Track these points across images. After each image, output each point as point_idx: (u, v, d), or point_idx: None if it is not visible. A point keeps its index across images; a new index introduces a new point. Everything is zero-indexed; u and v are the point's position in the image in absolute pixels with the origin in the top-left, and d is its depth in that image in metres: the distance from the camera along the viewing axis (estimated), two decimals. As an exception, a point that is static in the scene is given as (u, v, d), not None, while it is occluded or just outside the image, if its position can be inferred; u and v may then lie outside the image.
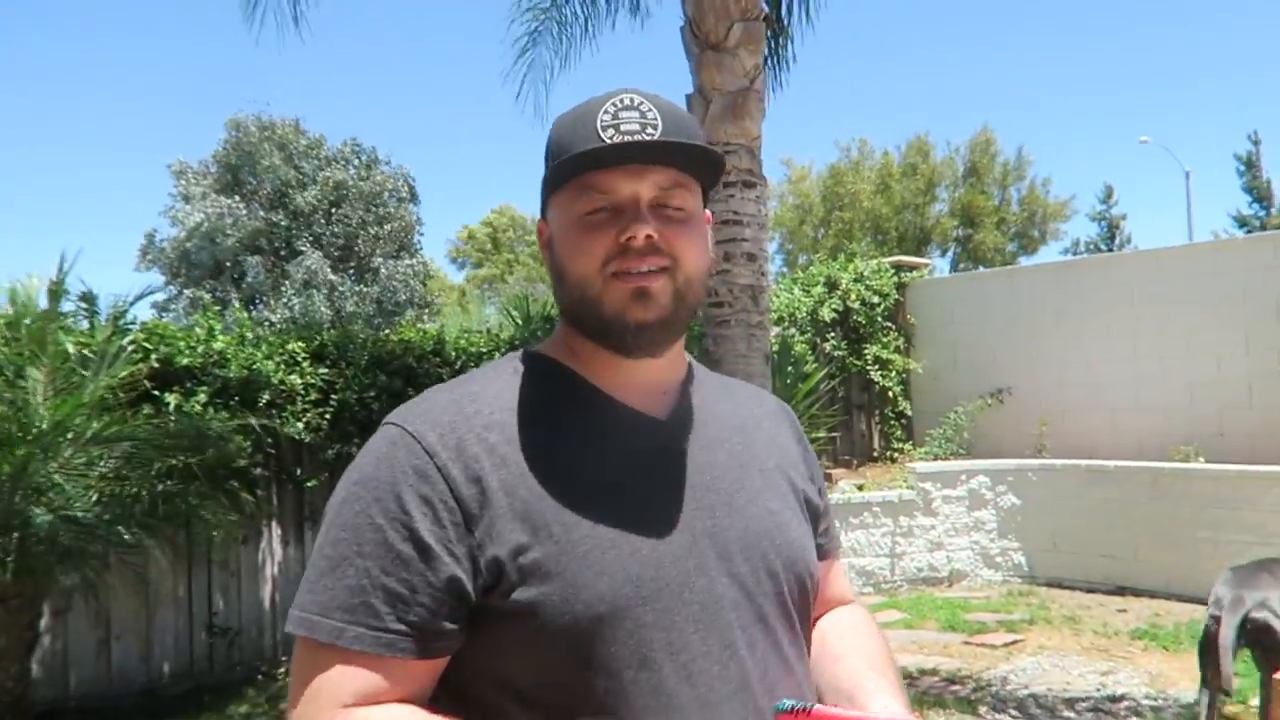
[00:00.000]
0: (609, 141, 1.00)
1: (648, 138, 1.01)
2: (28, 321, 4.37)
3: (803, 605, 1.11)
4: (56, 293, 4.53)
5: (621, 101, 1.04)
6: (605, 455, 1.03)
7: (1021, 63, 49.98)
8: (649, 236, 1.01)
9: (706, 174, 1.09)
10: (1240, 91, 46.89)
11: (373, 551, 0.93)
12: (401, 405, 1.05)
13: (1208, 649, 3.58)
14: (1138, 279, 8.87)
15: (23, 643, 4.58)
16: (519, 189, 64.83)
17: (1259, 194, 26.89)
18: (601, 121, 1.02)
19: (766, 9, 7.09)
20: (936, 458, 9.12)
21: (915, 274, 10.48)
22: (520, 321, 8.22)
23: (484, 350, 6.93)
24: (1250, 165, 27.15)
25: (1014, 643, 6.03)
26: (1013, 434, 9.24)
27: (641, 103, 1.04)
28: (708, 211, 1.15)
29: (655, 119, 1.03)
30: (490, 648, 0.95)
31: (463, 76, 61.14)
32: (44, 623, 5.07)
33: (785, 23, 7.24)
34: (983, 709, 4.84)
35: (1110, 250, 26.28)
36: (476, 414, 1.01)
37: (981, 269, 23.53)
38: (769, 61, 7.37)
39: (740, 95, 5.59)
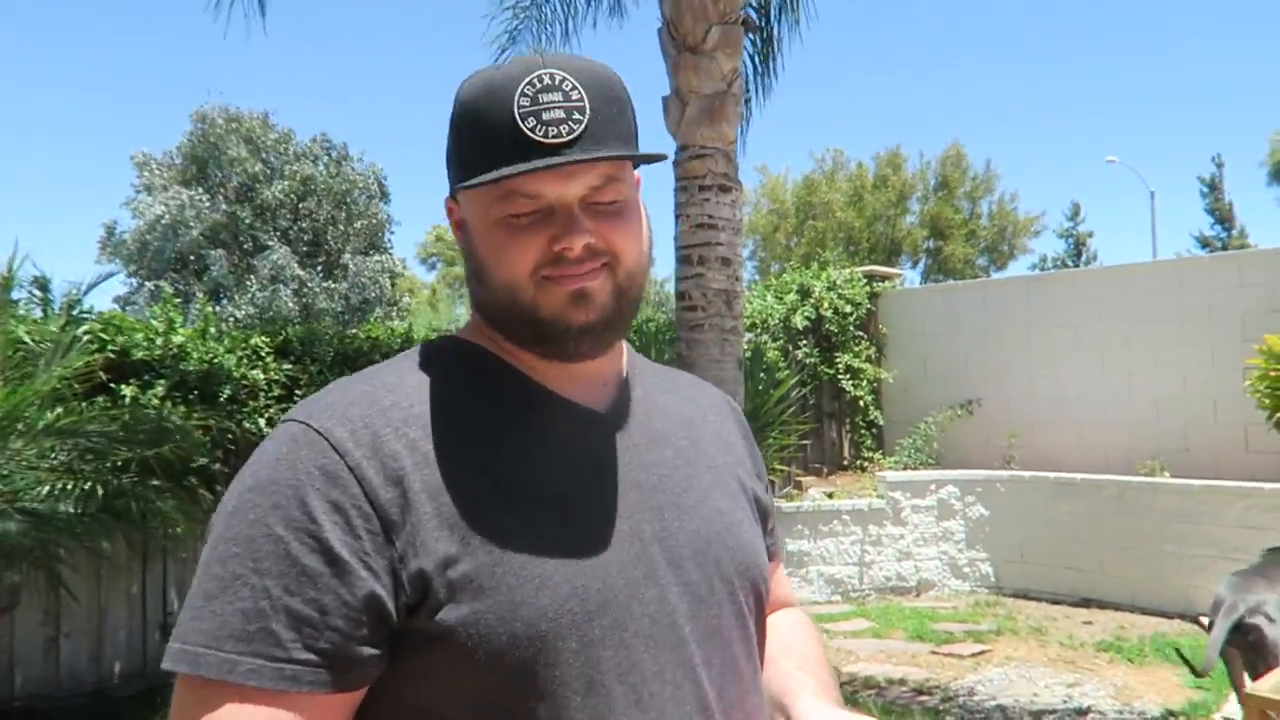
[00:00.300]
0: (530, 134, 0.87)
1: (574, 128, 0.88)
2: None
3: (758, 613, 1.02)
4: (8, 281, 4.37)
5: (540, 80, 0.89)
6: (542, 452, 0.92)
7: (993, 79, 50.69)
8: (586, 245, 0.90)
9: (641, 163, 0.99)
10: (1204, 116, 47.86)
11: (272, 568, 0.79)
12: (303, 400, 0.91)
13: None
14: (1106, 295, 8.95)
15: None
16: (492, 191, 64.53)
17: (1221, 215, 27.42)
18: (520, 107, 0.88)
19: (750, 13, 7.08)
20: (906, 467, 9.12)
21: (887, 284, 10.51)
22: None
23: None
24: (1213, 187, 27.69)
25: (981, 653, 6.01)
26: (982, 445, 9.27)
27: (564, 80, 0.90)
28: (637, 173, 1.02)
29: (581, 101, 0.90)
30: (415, 675, 0.83)
31: (437, 75, 60.87)
32: (12, 615, 4.90)
33: (774, 31, 7.21)
34: (951, 717, 4.81)
35: (1077, 266, 26.61)
36: (394, 406, 0.88)
37: (952, 281, 23.76)
38: (756, 69, 7.35)
39: (717, 99, 5.54)
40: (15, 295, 4.97)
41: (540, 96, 0.89)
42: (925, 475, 8.34)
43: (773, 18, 7.23)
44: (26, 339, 4.58)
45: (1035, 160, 51.55)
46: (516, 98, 0.88)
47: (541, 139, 0.87)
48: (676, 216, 5.74)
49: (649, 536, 0.92)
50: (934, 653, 6.07)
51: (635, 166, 1.01)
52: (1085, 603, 7.25)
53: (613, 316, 0.94)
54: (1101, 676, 5.47)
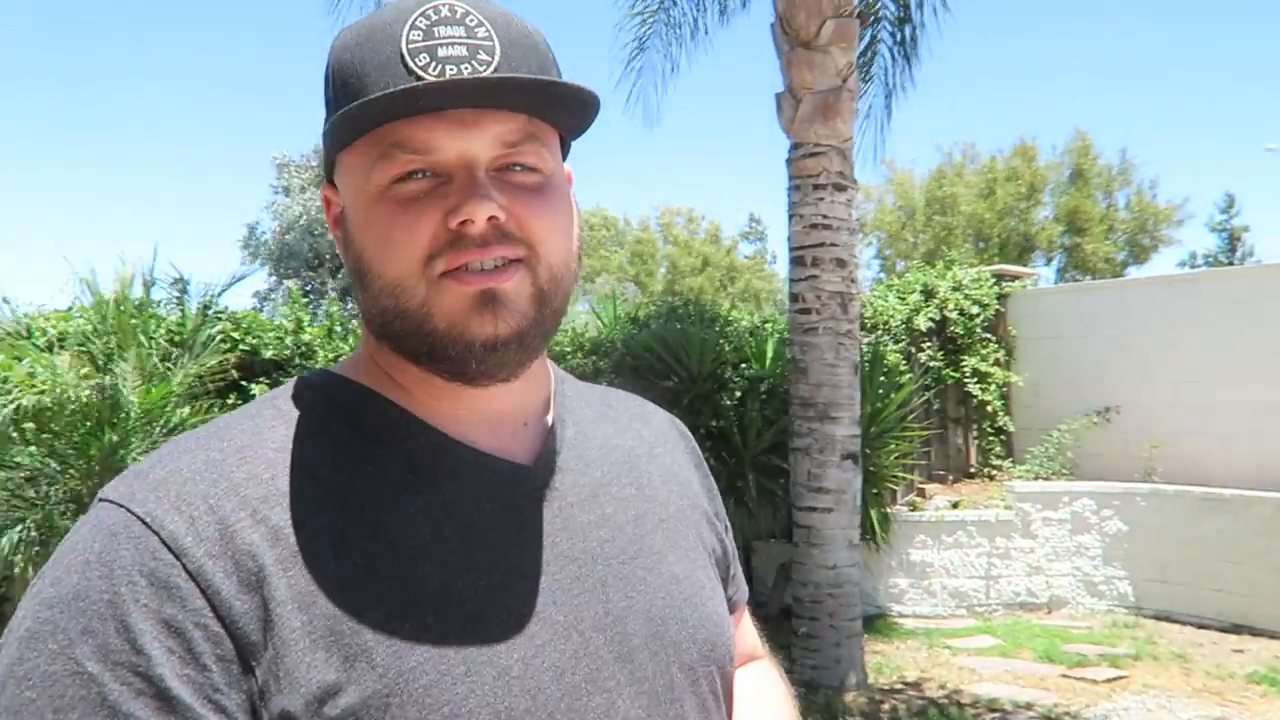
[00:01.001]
0: (422, 72, 0.68)
1: (479, 69, 0.68)
2: (120, 308, 4.46)
3: (725, 701, 0.84)
4: (149, 283, 4.63)
5: (437, 12, 0.70)
6: (448, 530, 0.71)
7: (1129, 60, 47.85)
8: (492, 219, 0.69)
9: (571, 121, 0.76)
10: (1381, 96, 43.91)
11: (83, 715, 0.58)
12: (126, 471, 0.69)
13: None
14: (1262, 295, 8.27)
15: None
16: (611, 190, 65.25)
17: (1401, 206, 25.06)
18: (409, 43, 0.69)
19: (887, 2, 6.85)
20: (1037, 477, 8.69)
21: (1017, 284, 10.03)
22: (606, 322, 8.13)
23: (567, 350, 6.87)
24: (1392, 175, 25.33)
25: (1117, 679, 5.64)
26: (1120, 455, 8.73)
27: (467, 14, 0.71)
28: (568, 167, 0.81)
29: (490, 40, 0.70)
30: None
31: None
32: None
33: (911, 16, 6.95)
34: (1080, 750, 4.53)
35: (1231, 264, 24.85)
36: (249, 479, 0.67)
37: (1090, 278, 22.55)
38: (894, 59, 7.11)
39: (831, 94, 5.39)
40: (156, 295, 5.27)
41: (436, 30, 0.69)
42: (1058, 486, 7.92)
43: (913, 3, 6.96)
44: (165, 340, 4.83)
45: (1180, 148, 48.46)
46: (405, 31, 0.69)
47: (437, 78, 0.68)
48: (790, 217, 5.62)
49: (590, 625, 0.73)
50: (1065, 676, 5.74)
51: (565, 154, 0.81)
52: (1235, 629, 6.73)
53: (529, 329, 0.73)
54: (1253, 711, 5.04)
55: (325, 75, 0.75)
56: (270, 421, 0.72)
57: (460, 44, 0.69)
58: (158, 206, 54.08)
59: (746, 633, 1.04)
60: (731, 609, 0.94)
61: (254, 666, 0.62)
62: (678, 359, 7.01)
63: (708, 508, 0.94)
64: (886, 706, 5.07)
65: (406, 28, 0.69)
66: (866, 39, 6.99)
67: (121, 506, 0.64)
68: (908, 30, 7.00)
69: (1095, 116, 50.80)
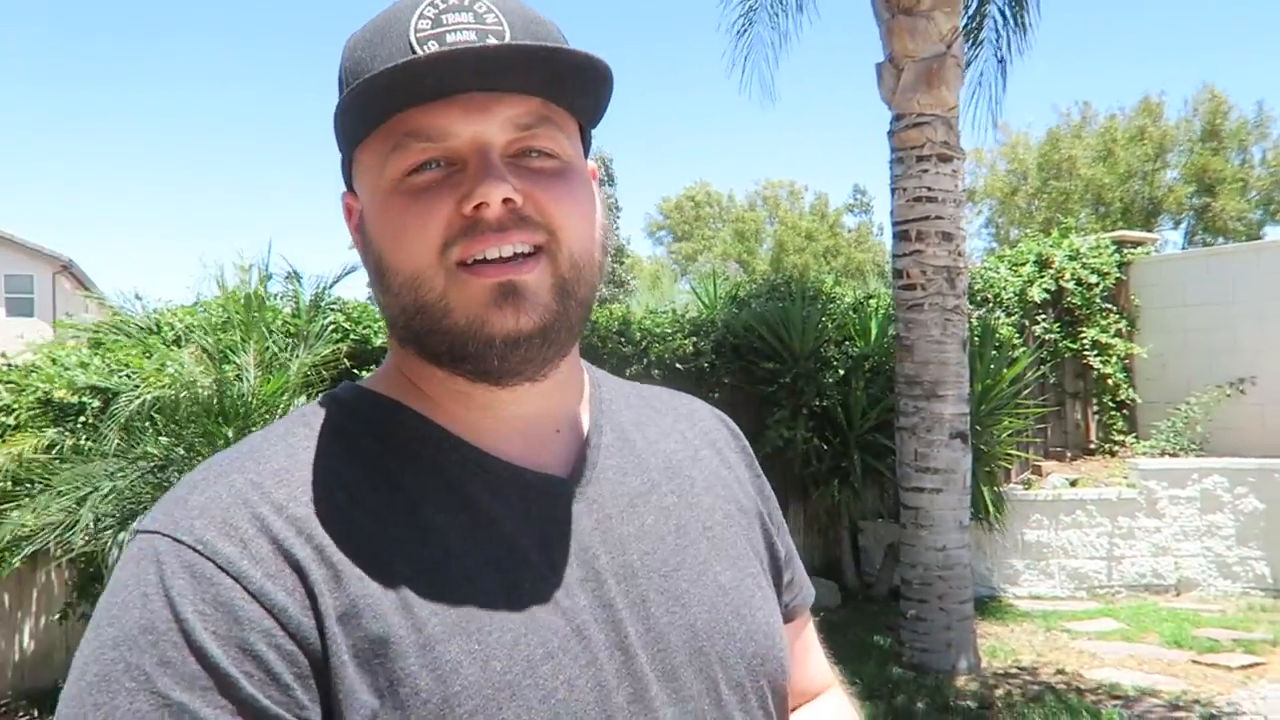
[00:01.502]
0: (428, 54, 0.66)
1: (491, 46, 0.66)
2: (240, 302, 4.68)
3: (780, 713, 0.81)
4: (264, 277, 4.83)
5: (445, 0, 0.69)
6: (484, 547, 0.69)
7: (1258, 7, 44.58)
8: (508, 201, 0.67)
9: (586, 103, 0.74)
10: None
11: None
12: (163, 499, 0.67)
13: None
14: None
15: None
16: (713, 165, 64.77)
17: None
18: (417, 31, 0.68)
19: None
20: (1163, 453, 8.27)
21: (1139, 250, 9.51)
22: (706, 302, 8.10)
23: (668, 331, 6.86)
24: None
25: (1253, 665, 5.34)
26: (1255, 429, 8.22)
27: (476, 1, 0.69)
28: (592, 163, 0.79)
29: (499, 25, 0.69)
30: None
31: (666, 62, 61.55)
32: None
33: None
34: (1211, 742, 4.31)
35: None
36: (290, 500, 0.66)
37: (1222, 240, 21.25)
38: (1005, 18, 6.83)
39: (935, 61, 5.20)
40: (271, 289, 5.49)
41: (444, 17, 0.68)
42: (1186, 463, 7.53)
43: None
44: (281, 331, 5.04)
45: (1330, 98, 44.94)
46: (414, 20, 0.68)
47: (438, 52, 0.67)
48: (892, 190, 5.47)
49: (634, 642, 0.70)
50: (1195, 662, 5.47)
51: (588, 148, 0.78)
52: (1387, 613, 6.28)
53: (553, 322, 0.70)
54: (1407, 703, 4.70)
55: (338, 77, 0.74)
56: (304, 441, 0.71)
57: (469, 29, 0.68)
58: (273, 201, 56.39)
59: (808, 651, 0.97)
60: (791, 615, 0.91)
61: (324, 684, 0.62)
62: (779, 338, 6.92)
63: (761, 509, 0.90)
64: (1000, 691, 4.93)
65: (415, 17, 0.69)
66: (974, 3, 6.71)
67: (168, 536, 0.63)
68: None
69: (1228, 68, 47.63)
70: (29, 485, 4.33)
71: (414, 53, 0.67)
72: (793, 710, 0.89)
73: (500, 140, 0.68)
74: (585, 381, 0.84)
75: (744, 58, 7.18)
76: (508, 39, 0.68)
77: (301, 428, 0.73)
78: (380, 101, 0.66)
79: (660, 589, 0.74)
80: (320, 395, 0.79)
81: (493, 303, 0.68)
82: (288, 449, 0.70)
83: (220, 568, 0.61)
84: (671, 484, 0.82)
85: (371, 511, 0.67)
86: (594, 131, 0.80)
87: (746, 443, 0.96)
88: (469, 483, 0.71)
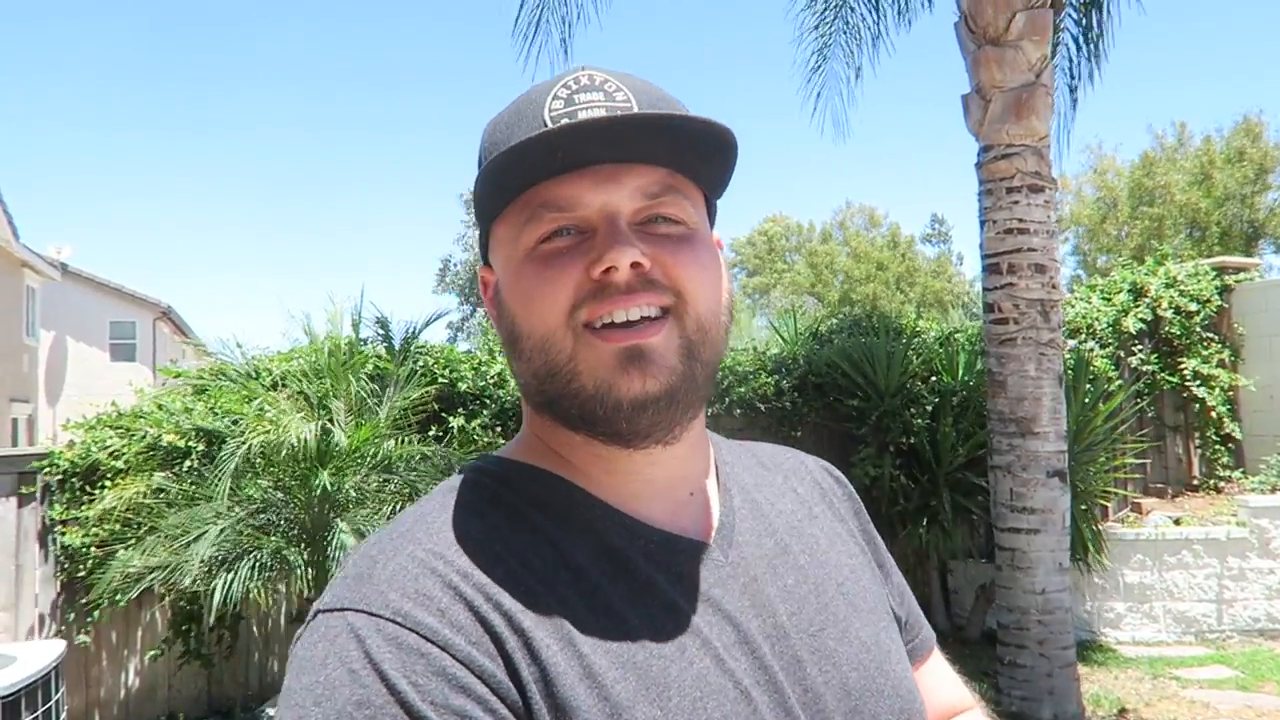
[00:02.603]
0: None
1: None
2: (332, 352, 4.80)
3: None
4: (356, 324, 4.95)
5: (577, 81, 0.73)
6: (652, 613, 0.70)
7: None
8: (636, 265, 0.69)
9: (711, 171, 0.76)
10: None
11: None
12: (334, 584, 0.68)
13: None
14: None
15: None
16: (791, 198, 64.57)
17: None
18: (552, 111, 0.71)
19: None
20: (1274, 489, 7.85)
21: (1243, 276, 9.13)
22: (787, 338, 8.03)
23: (749, 370, 6.81)
24: None
25: (1383, 720, 5.01)
26: (1376, 463, 7.76)
27: (606, 80, 0.73)
28: (717, 235, 0.81)
29: (627, 100, 0.72)
30: None
31: (731, 93, 61.89)
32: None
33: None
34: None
35: None
36: (473, 569, 0.67)
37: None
38: (1080, 48, 6.70)
39: (1025, 91, 5.10)
40: (362, 333, 5.64)
41: (576, 97, 0.72)
42: (1301, 499, 7.13)
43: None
44: (370, 376, 5.16)
45: None
46: (548, 102, 0.72)
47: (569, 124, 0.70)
48: (981, 223, 5.36)
49: (794, 704, 0.71)
50: (1319, 714, 5.14)
51: (713, 217, 0.81)
52: None
53: (679, 385, 0.71)
54: None
55: (479, 158, 0.77)
56: (464, 513, 0.72)
57: (598, 106, 0.71)
58: (362, 248, 58.11)
59: (943, 679, 0.97)
60: (919, 655, 0.93)
61: None
62: (863, 375, 6.81)
63: (874, 557, 0.92)
64: (1108, 744, 4.71)
65: (549, 98, 0.72)
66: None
67: (361, 612, 0.63)
68: (1094, 16, 6.54)
69: None
70: (136, 527, 4.50)
71: (547, 127, 0.70)
72: None
73: (628, 208, 0.71)
74: (709, 450, 0.85)
75: (817, 94, 7.16)
76: (634, 111, 0.71)
77: (456, 500, 0.74)
78: (516, 174, 0.70)
79: (811, 649, 0.76)
80: (463, 468, 0.80)
81: (619, 366, 0.69)
82: (452, 521, 0.71)
83: (425, 637, 0.62)
84: (800, 544, 0.83)
85: (542, 578, 0.69)
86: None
87: (853, 489, 0.98)
88: (625, 548, 0.73)
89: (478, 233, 0.81)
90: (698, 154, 0.73)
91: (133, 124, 55.08)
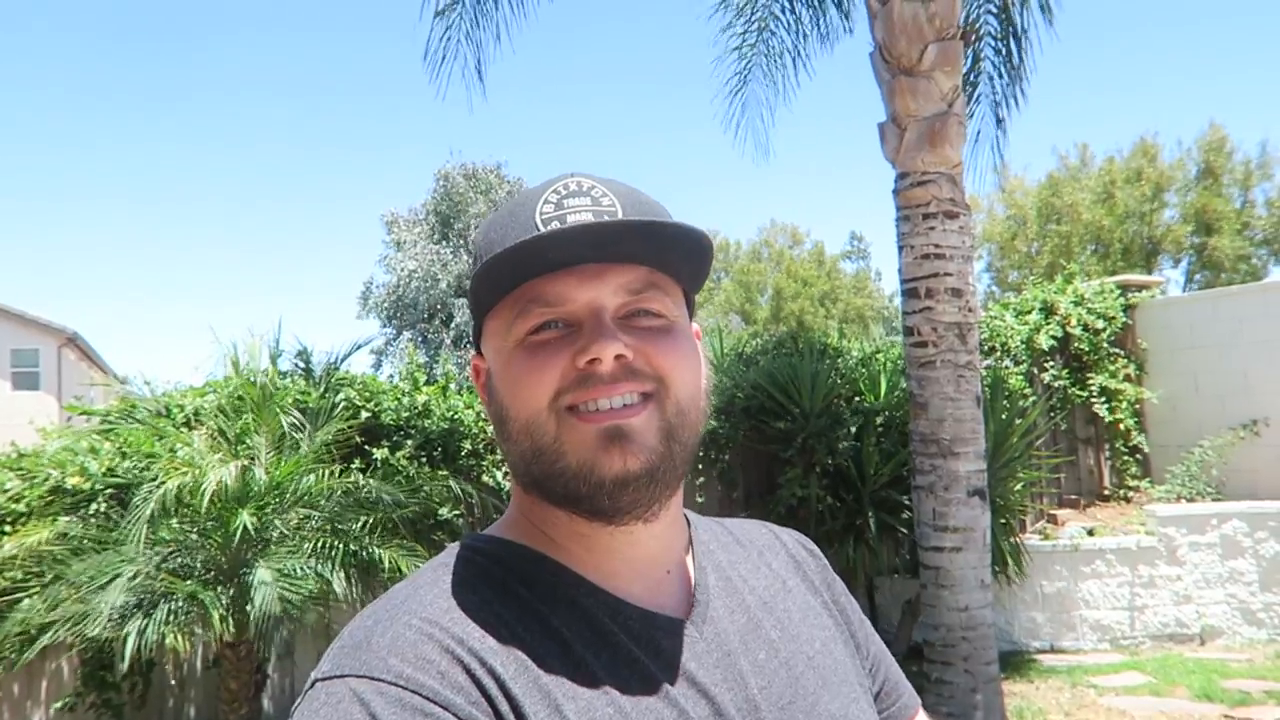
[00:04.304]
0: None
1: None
2: (250, 383, 4.66)
3: None
4: (275, 357, 4.82)
5: (566, 187, 0.79)
6: (632, 686, 0.74)
7: (1260, 49, 45.21)
8: (619, 356, 0.74)
9: (688, 269, 0.82)
10: None
11: None
12: (331, 654, 0.72)
13: None
14: None
15: (253, 684, 4.85)
16: (716, 215, 65.28)
17: None
18: (542, 214, 0.77)
19: (988, 17, 6.67)
20: (1180, 498, 8.19)
21: (1145, 294, 9.53)
22: (712, 359, 8.09)
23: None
24: None
25: (1287, 720, 5.23)
26: (1272, 471, 8.15)
27: (593, 187, 0.80)
28: (696, 326, 0.88)
29: (613, 205, 0.78)
30: None
31: (669, 111, 62.44)
32: (271, 665, 5.38)
33: (1018, 29, 6.73)
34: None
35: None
36: (468, 636, 0.71)
37: (1221, 276, 21.31)
38: (1000, 74, 6.91)
39: (938, 120, 5.24)
40: (282, 366, 5.49)
41: (565, 201, 0.78)
42: (1205, 508, 7.45)
43: (1015, 16, 6.73)
44: (292, 407, 5.02)
45: (1320, 133, 45.29)
46: (539, 206, 0.78)
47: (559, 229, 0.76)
48: (900, 248, 5.48)
49: None
50: (1227, 716, 5.35)
51: (691, 310, 0.87)
52: None
53: (660, 465, 0.76)
54: None
55: (472, 255, 0.85)
56: (457, 586, 0.76)
57: (586, 210, 0.77)
58: (282, 271, 56.81)
59: None
60: (905, 715, 0.96)
61: None
62: (789, 396, 6.89)
63: (848, 624, 0.95)
64: (1032, 756, 4.82)
65: (540, 203, 0.79)
66: (969, 59, 6.80)
67: (364, 677, 0.66)
68: (1012, 45, 6.77)
69: (1231, 109, 48.22)
70: (41, 574, 4.29)
71: (539, 231, 0.75)
72: None
73: (613, 304, 0.77)
74: (686, 528, 0.90)
75: (738, 115, 7.25)
76: (619, 217, 0.77)
77: (447, 574, 0.78)
78: (509, 272, 0.76)
79: None
80: (455, 544, 0.84)
81: (601, 446, 0.74)
82: (444, 592, 0.75)
83: (427, 699, 0.65)
84: (771, 619, 0.87)
85: (530, 649, 0.72)
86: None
87: (825, 560, 1.02)
88: (607, 624, 0.77)
89: (472, 325, 0.87)
90: (676, 254, 0.79)
91: (32, 140, 52.97)
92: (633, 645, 0.76)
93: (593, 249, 0.75)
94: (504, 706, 0.67)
